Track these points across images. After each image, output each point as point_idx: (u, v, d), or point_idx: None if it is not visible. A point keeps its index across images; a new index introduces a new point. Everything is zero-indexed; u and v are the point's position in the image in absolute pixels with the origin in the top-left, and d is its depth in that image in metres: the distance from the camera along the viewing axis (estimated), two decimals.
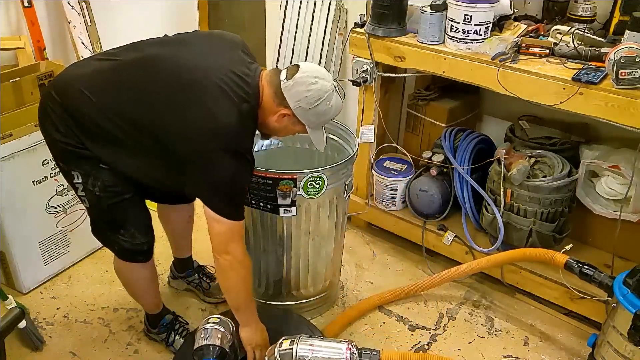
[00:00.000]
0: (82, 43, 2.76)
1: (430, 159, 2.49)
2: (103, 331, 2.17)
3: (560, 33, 2.05)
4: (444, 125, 2.52)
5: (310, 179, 1.86)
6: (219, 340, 1.64)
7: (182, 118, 1.54)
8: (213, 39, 1.74)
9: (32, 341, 2.05)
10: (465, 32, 2.08)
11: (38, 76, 2.30)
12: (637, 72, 1.73)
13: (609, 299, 1.84)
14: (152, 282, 1.98)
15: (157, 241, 1.89)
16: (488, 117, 2.68)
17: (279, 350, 1.64)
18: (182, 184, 1.68)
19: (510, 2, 2.15)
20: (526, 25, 2.17)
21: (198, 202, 2.14)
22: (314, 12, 2.84)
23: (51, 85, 1.69)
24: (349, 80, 2.46)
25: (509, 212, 2.22)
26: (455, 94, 2.57)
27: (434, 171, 2.48)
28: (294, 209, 1.91)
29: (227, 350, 1.65)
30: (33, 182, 2.22)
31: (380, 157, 2.69)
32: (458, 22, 2.07)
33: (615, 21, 2.01)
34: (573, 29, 2.03)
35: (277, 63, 3.05)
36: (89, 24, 2.80)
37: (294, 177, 1.85)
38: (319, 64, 2.93)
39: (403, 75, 2.51)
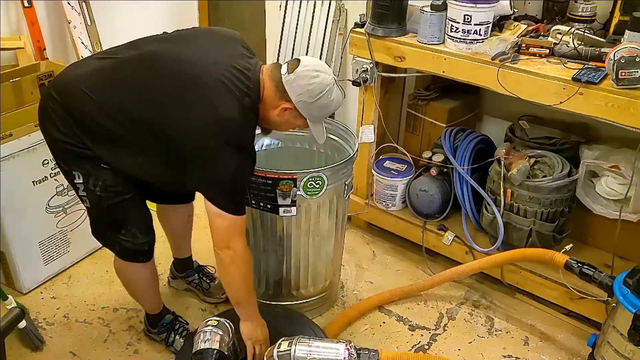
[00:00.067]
0: (82, 43, 2.76)
1: (430, 159, 2.49)
2: (103, 331, 2.17)
3: (560, 33, 2.05)
4: (444, 125, 2.52)
5: (310, 179, 1.86)
6: (218, 343, 1.63)
7: (184, 113, 1.54)
8: (212, 35, 1.74)
9: (32, 341, 2.05)
10: (465, 32, 2.08)
11: (38, 76, 2.30)
12: (637, 72, 1.73)
13: (609, 299, 1.84)
14: (153, 282, 1.99)
15: (157, 241, 1.89)
16: (488, 117, 2.68)
17: (278, 351, 1.64)
18: (183, 180, 1.68)
19: (510, 2, 2.15)
20: (526, 25, 2.17)
21: (197, 202, 2.15)
22: (314, 12, 2.84)
23: (51, 85, 1.69)
24: (349, 80, 2.46)
25: (509, 212, 2.22)
26: (455, 94, 2.57)
27: (434, 171, 2.48)
28: (294, 209, 1.91)
29: (226, 352, 1.64)
30: (33, 182, 2.22)
31: (380, 157, 2.69)
32: (458, 22, 2.07)
33: (615, 21, 2.01)
34: (573, 29, 2.03)
35: (277, 62, 3.04)
36: (89, 24, 2.80)
37: (294, 177, 1.85)
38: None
39: (403, 75, 2.51)
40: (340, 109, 2.95)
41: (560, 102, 1.90)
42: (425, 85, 2.63)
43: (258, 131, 1.78)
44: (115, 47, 1.71)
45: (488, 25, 2.08)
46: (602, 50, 1.94)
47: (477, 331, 2.22)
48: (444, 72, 2.16)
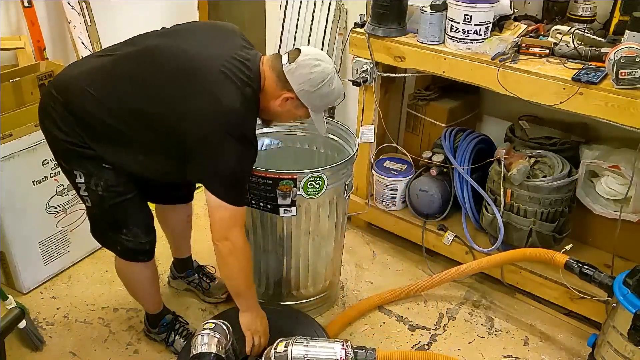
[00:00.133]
0: (82, 43, 2.76)
1: (430, 159, 2.49)
2: (103, 331, 2.17)
3: (560, 33, 2.05)
4: (444, 125, 2.52)
5: (310, 179, 1.86)
6: (215, 347, 1.63)
7: (186, 105, 1.54)
8: (211, 28, 1.75)
9: (32, 341, 2.05)
10: (465, 32, 2.08)
11: (38, 76, 2.30)
12: (637, 72, 1.73)
13: (609, 299, 1.84)
14: (154, 281, 1.99)
15: (157, 241, 1.89)
16: (488, 117, 2.68)
17: (275, 352, 1.64)
18: (184, 174, 1.67)
19: (510, 2, 2.15)
20: (526, 25, 2.17)
21: (197, 202, 2.16)
22: (314, 12, 2.84)
23: (51, 84, 1.69)
24: (349, 80, 2.46)
25: (509, 212, 2.22)
26: (455, 94, 2.57)
27: (434, 171, 2.48)
28: (294, 209, 1.91)
29: (223, 356, 1.64)
30: (33, 182, 2.22)
31: (380, 157, 2.69)
32: (458, 22, 2.07)
33: (615, 21, 2.01)
34: (573, 29, 2.03)
35: None
36: (89, 24, 2.80)
37: (294, 177, 1.85)
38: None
39: (403, 75, 2.51)
40: (340, 108, 2.96)
41: (560, 102, 1.90)
42: (425, 85, 2.62)
43: (258, 122, 1.77)
44: (114, 44, 1.71)
45: (488, 25, 2.08)
46: (602, 50, 1.94)
47: (477, 331, 2.22)
48: (444, 72, 2.16)
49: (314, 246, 2.06)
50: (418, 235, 2.54)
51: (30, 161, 2.18)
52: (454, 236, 2.42)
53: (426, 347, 2.14)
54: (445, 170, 2.46)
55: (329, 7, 2.78)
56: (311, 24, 2.84)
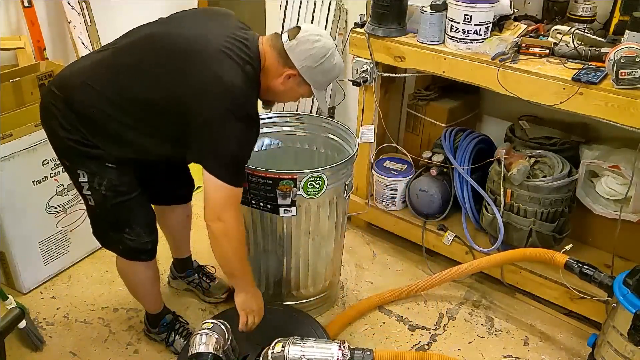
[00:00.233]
0: (82, 43, 2.77)
1: (430, 159, 2.49)
2: (103, 331, 2.17)
3: (560, 33, 2.05)
4: (444, 125, 2.52)
5: (310, 179, 1.86)
6: (213, 346, 1.63)
7: (187, 86, 1.53)
8: (207, 12, 1.77)
9: (32, 341, 2.05)
10: (465, 32, 2.08)
11: (38, 76, 2.30)
12: (637, 72, 1.73)
13: (609, 299, 1.84)
14: (155, 281, 1.99)
15: (158, 241, 1.89)
16: (488, 117, 2.68)
17: (272, 353, 1.65)
18: (184, 155, 1.66)
19: (510, 2, 2.15)
20: (526, 25, 2.17)
21: (196, 202, 2.15)
22: (314, 12, 2.85)
23: (52, 83, 1.69)
24: (349, 80, 2.47)
25: (509, 212, 2.22)
26: (455, 94, 2.57)
27: (434, 171, 2.48)
28: (294, 209, 1.91)
29: (221, 355, 1.64)
30: (33, 182, 2.22)
31: (380, 157, 2.69)
32: (458, 22, 2.07)
33: (615, 21, 2.01)
34: (573, 29, 2.03)
35: None
36: (89, 24, 2.80)
37: (294, 177, 1.85)
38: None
39: (403, 75, 2.51)
40: (341, 108, 2.96)
41: (560, 102, 1.90)
42: (425, 85, 2.63)
43: (260, 115, 1.76)
44: (114, 40, 1.71)
45: (488, 25, 2.08)
46: (602, 50, 1.94)
47: (477, 331, 2.22)
48: (444, 72, 2.16)
49: (314, 246, 2.06)
50: (418, 235, 2.54)
51: (30, 161, 2.18)
52: (454, 236, 2.42)
53: (426, 347, 2.14)
54: (445, 170, 2.46)
55: (329, 7, 2.78)
56: (311, 24, 2.84)
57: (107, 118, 1.60)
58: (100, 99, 1.59)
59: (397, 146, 2.62)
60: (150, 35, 1.64)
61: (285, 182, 1.85)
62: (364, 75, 2.37)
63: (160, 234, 2.06)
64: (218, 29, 1.63)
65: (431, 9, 2.14)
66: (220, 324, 1.70)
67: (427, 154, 2.51)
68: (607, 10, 2.11)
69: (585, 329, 2.18)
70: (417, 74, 2.40)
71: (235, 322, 1.79)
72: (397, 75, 2.45)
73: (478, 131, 2.55)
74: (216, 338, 1.65)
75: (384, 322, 2.25)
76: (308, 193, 1.89)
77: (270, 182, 1.86)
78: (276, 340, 1.68)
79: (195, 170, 1.81)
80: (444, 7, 2.12)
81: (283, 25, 2.93)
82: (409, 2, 2.27)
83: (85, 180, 1.68)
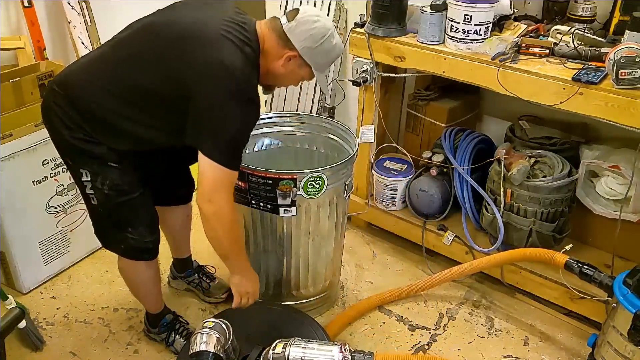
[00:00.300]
0: (82, 43, 2.77)
1: (430, 159, 2.49)
2: (103, 331, 2.17)
3: (560, 33, 2.05)
4: (444, 125, 2.52)
5: (310, 179, 1.86)
6: (213, 345, 1.63)
7: (189, 70, 1.53)
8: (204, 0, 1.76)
9: (32, 341, 2.05)
10: (465, 32, 2.08)
11: (38, 76, 2.30)
12: (637, 72, 1.73)
13: (609, 299, 1.84)
14: (156, 280, 1.99)
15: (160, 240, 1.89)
16: (488, 117, 2.68)
17: (273, 354, 1.64)
18: (183, 139, 1.65)
19: (510, 2, 2.15)
20: (526, 25, 2.17)
21: (195, 204, 2.15)
22: None
23: (53, 82, 1.70)
24: (349, 80, 2.46)
25: (509, 212, 2.22)
26: (455, 94, 2.57)
27: (434, 171, 2.48)
28: (294, 209, 1.91)
29: (221, 354, 1.64)
30: (33, 182, 2.22)
31: (380, 157, 2.69)
32: (458, 22, 2.07)
33: (615, 21, 2.01)
34: (573, 29, 2.03)
35: None
36: (89, 24, 2.80)
37: (294, 177, 1.85)
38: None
39: (403, 75, 2.51)
40: (341, 108, 2.96)
41: (560, 102, 1.90)
42: (425, 85, 2.62)
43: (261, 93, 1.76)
44: (113, 36, 1.72)
45: (488, 25, 2.08)
46: (602, 50, 1.94)
47: (477, 331, 2.22)
48: (444, 72, 2.16)
49: (314, 246, 2.06)
50: (418, 235, 2.54)
51: (30, 161, 2.18)
52: (454, 236, 2.42)
53: (426, 347, 2.14)
54: (445, 170, 2.46)
55: (329, 7, 2.78)
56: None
57: (109, 112, 1.61)
58: (101, 93, 1.60)
59: (397, 146, 2.62)
60: (148, 25, 1.65)
61: (285, 182, 1.85)
62: (364, 75, 2.37)
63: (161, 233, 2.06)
64: (215, 14, 1.63)
65: (431, 9, 2.14)
66: (221, 323, 1.70)
67: (427, 154, 2.51)
68: (607, 10, 2.11)
69: (585, 329, 2.18)
70: (417, 74, 2.40)
71: (236, 322, 1.79)
72: (397, 75, 2.45)
73: (478, 131, 2.55)
74: (217, 337, 1.65)
75: (384, 322, 2.25)
76: (308, 193, 1.89)
77: (270, 182, 1.86)
78: (277, 341, 1.68)
79: (196, 170, 1.80)
80: (444, 7, 2.12)
81: None
82: (409, 2, 2.27)
83: (88, 179, 1.68)
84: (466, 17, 2.05)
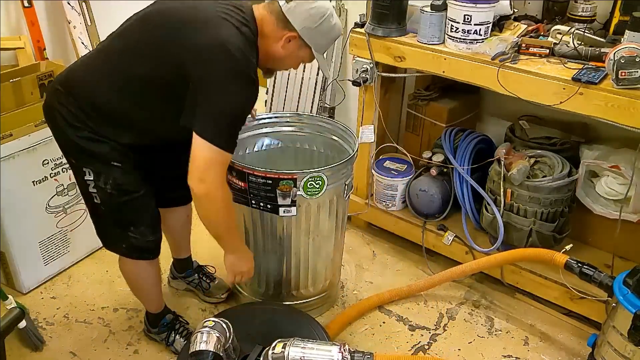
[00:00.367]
0: (82, 43, 2.77)
1: (430, 159, 2.49)
2: (103, 331, 2.17)
3: (560, 33, 2.05)
4: (444, 125, 2.52)
5: (310, 179, 1.86)
6: (214, 345, 1.63)
7: (187, 51, 1.53)
8: None
9: (32, 341, 2.05)
10: (465, 32, 2.08)
11: (38, 76, 2.30)
12: (637, 72, 1.73)
13: (609, 299, 1.84)
14: (158, 280, 1.99)
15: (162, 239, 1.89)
16: (488, 117, 2.68)
17: (272, 353, 1.65)
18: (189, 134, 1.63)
19: (510, 2, 2.15)
20: (526, 25, 2.17)
21: None
22: None
23: (55, 82, 1.71)
24: (349, 80, 2.46)
25: (509, 212, 2.22)
26: (455, 94, 2.57)
27: (434, 171, 2.48)
28: (294, 209, 1.91)
29: (222, 354, 1.64)
30: (33, 182, 2.22)
31: (380, 157, 2.69)
32: (458, 22, 2.07)
33: (615, 21, 2.01)
34: (573, 29, 2.03)
35: None
36: (89, 24, 2.80)
37: (294, 177, 1.85)
38: (319, 64, 2.93)
39: (403, 75, 2.51)
40: (341, 108, 2.96)
41: (560, 102, 1.90)
42: (425, 85, 2.62)
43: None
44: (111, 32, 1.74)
45: (488, 25, 2.08)
46: (602, 50, 1.94)
47: (477, 331, 2.22)
48: (444, 72, 2.16)
49: (314, 246, 2.06)
50: (418, 235, 2.54)
51: (30, 161, 2.18)
52: (454, 236, 2.42)
53: (426, 347, 2.14)
54: (445, 170, 2.46)
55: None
56: None
57: (111, 104, 1.61)
58: (103, 86, 1.61)
59: (397, 146, 2.62)
60: (146, 15, 1.65)
61: (285, 182, 1.85)
62: (364, 75, 2.37)
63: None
64: None
65: (431, 9, 2.14)
66: (221, 322, 1.70)
67: (427, 154, 2.51)
68: (607, 10, 2.11)
69: (585, 329, 2.18)
70: (417, 74, 2.40)
71: (237, 321, 1.79)
72: (397, 75, 2.46)
73: (478, 131, 2.55)
74: (217, 337, 1.65)
75: (384, 322, 2.25)
76: (308, 193, 1.89)
77: (270, 182, 1.86)
78: (277, 341, 1.68)
79: None
80: (444, 7, 2.12)
81: None
82: (409, 2, 2.27)
83: (91, 178, 1.69)
84: (466, 17, 2.05)
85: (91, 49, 2.76)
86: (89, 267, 2.49)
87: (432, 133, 2.59)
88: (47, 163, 2.24)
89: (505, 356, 2.11)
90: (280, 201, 1.89)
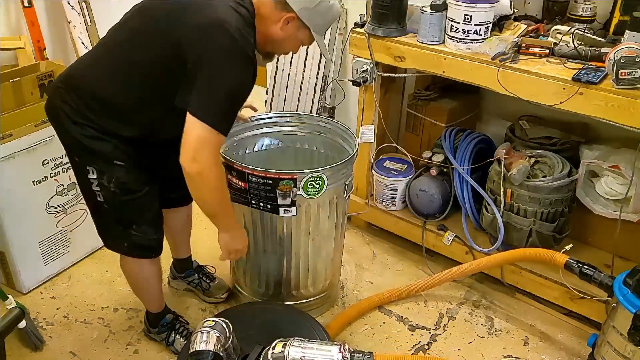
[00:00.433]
0: (82, 43, 2.77)
1: (430, 159, 2.49)
2: (103, 331, 2.17)
3: (560, 33, 2.05)
4: (444, 125, 2.52)
5: (310, 179, 1.86)
6: (214, 344, 1.63)
7: (184, 33, 1.52)
8: None
9: (32, 341, 2.05)
10: (465, 32, 2.08)
11: (38, 76, 2.30)
12: (637, 72, 1.73)
13: (609, 299, 1.84)
14: (159, 279, 1.99)
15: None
16: (488, 117, 2.68)
17: (272, 353, 1.65)
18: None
19: (510, 2, 2.15)
20: (526, 25, 2.17)
21: (196, 204, 2.15)
22: None
23: (56, 81, 1.71)
24: (349, 80, 2.47)
25: (509, 212, 2.22)
26: (455, 94, 2.57)
27: (434, 171, 2.48)
28: (294, 209, 1.91)
29: (222, 354, 1.64)
30: (33, 182, 2.22)
31: (380, 157, 2.69)
32: (458, 22, 2.07)
33: (615, 21, 2.01)
34: (573, 29, 2.03)
35: (277, 63, 3.05)
36: (89, 24, 2.80)
37: (294, 177, 1.85)
38: (319, 64, 2.93)
39: (403, 75, 2.51)
40: (341, 108, 2.96)
41: (560, 102, 1.90)
42: (425, 85, 2.63)
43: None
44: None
45: (488, 25, 2.08)
46: (602, 50, 1.94)
47: (477, 331, 2.22)
48: (444, 72, 2.16)
49: (314, 246, 2.06)
50: (418, 235, 2.54)
51: (30, 161, 2.18)
52: (454, 236, 2.42)
53: (426, 347, 2.14)
54: (445, 170, 2.46)
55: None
56: None
57: (114, 96, 1.62)
58: (105, 78, 1.62)
59: (397, 146, 2.62)
60: (143, 6, 1.66)
61: (285, 182, 1.85)
62: (364, 75, 2.37)
63: None
64: None
65: (431, 9, 2.14)
66: (221, 322, 1.70)
67: (427, 154, 2.51)
68: (607, 10, 2.11)
69: (585, 329, 2.18)
70: (417, 74, 2.40)
71: (237, 321, 1.79)
72: (397, 75, 2.46)
73: (478, 131, 2.55)
74: (217, 336, 1.65)
75: (384, 322, 2.25)
76: (308, 193, 1.89)
77: (270, 182, 1.86)
78: (277, 341, 1.68)
79: None
80: (444, 7, 2.12)
81: None
82: (409, 2, 2.27)
83: (95, 176, 1.69)
84: (466, 17, 2.05)
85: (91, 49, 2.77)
86: (89, 267, 2.49)
87: (432, 133, 2.59)
88: (47, 163, 2.24)
89: (505, 356, 2.11)
90: (280, 201, 1.89)
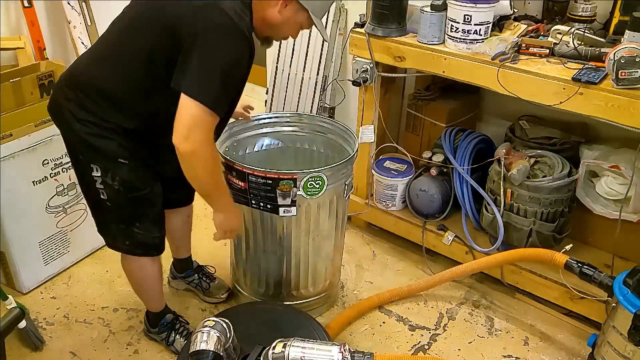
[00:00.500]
0: (82, 43, 2.77)
1: (430, 159, 2.49)
2: (103, 331, 2.17)
3: (560, 33, 2.05)
4: (444, 125, 2.52)
5: (310, 179, 1.86)
6: (214, 344, 1.63)
7: (181, 15, 1.51)
8: None
9: (32, 341, 2.05)
10: (465, 32, 2.08)
11: (38, 76, 2.30)
12: (637, 72, 1.73)
13: (609, 299, 1.84)
14: (160, 278, 2.00)
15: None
16: (488, 117, 2.68)
17: (272, 353, 1.65)
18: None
19: (510, 2, 2.15)
20: (526, 25, 2.17)
21: (197, 203, 2.15)
22: None
23: (59, 81, 1.72)
24: (349, 80, 2.47)
25: (509, 212, 2.22)
26: (455, 94, 2.57)
27: (434, 171, 2.48)
28: (294, 209, 1.92)
29: (222, 353, 1.64)
30: (33, 182, 2.22)
31: (380, 157, 2.69)
32: (458, 22, 2.07)
33: (615, 21, 2.01)
34: (573, 29, 2.03)
35: (277, 63, 3.05)
36: (89, 24, 2.80)
37: (294, 177, 1.85)
38: (319, 64, 2.93)
39: (403, 75, 2.51)
40: (341, 108, 2.96)
41: (560, 102, 1.90)
42: (425, 85, 2.63)
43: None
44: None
45: (488, 25, 2.08)
46: (602, 50, 1.94)
47: (477, 331, 2.22)
48: (444, 72, 2.16)
49: (314, 246, 2.06)
50: (418, 235, 2.54)
51: (30, 161, 2.18)
52: (454, 236, 2.42)
53: (426, 347, 2.14)
54: (445, 170, 2.46)
55: (329, 7, 2.78)
56: None
57: (115, 86, 1.63)
58: (106, 70, 1.63)
59: (397, 146, 2.62)
60: (136, 1, 1.67)
61: (285, 182, 1.85)
62: (364, 75, 2.37)
63: None
64: None
65: (431, 9, 2.14)
66: (221, 322, 1.70)
67: (427, 154, 2.51)
68: (607, 10, 2.11)
69: (585, 329, 2.18)
70: (417, 74, 2.40)
71: (237, 321, 1.79)
72: (397, 75, 2.46)
73: (478, 131, 2.55)
74: (217, 336, 1.65)
75: (384, 322, 2.25)
76: (308, 193, 1.89)
77: (270, 182, 1.86)
78: (277, 341, 1.68)
79: None
80: (444, 7, 2.12)
81: None
82: (409, 2, 2.27)
83: (99, 174, 1.69)
84: (466, 17, 2.05)
85: None
86: (89, 267, 2.49)
87: (432, 133, 2.59)
88: (47, 163, 2.24)
89: (505, 356, 2.11)
90: (280, 201, 1.89)
